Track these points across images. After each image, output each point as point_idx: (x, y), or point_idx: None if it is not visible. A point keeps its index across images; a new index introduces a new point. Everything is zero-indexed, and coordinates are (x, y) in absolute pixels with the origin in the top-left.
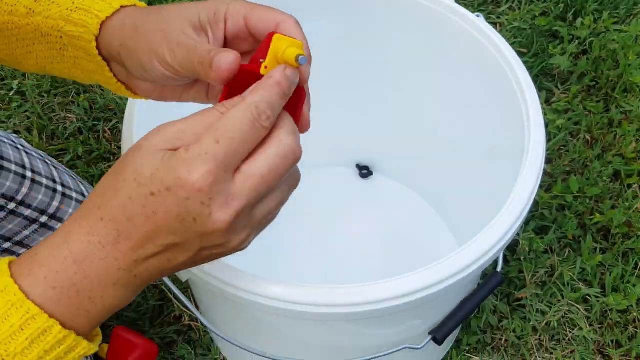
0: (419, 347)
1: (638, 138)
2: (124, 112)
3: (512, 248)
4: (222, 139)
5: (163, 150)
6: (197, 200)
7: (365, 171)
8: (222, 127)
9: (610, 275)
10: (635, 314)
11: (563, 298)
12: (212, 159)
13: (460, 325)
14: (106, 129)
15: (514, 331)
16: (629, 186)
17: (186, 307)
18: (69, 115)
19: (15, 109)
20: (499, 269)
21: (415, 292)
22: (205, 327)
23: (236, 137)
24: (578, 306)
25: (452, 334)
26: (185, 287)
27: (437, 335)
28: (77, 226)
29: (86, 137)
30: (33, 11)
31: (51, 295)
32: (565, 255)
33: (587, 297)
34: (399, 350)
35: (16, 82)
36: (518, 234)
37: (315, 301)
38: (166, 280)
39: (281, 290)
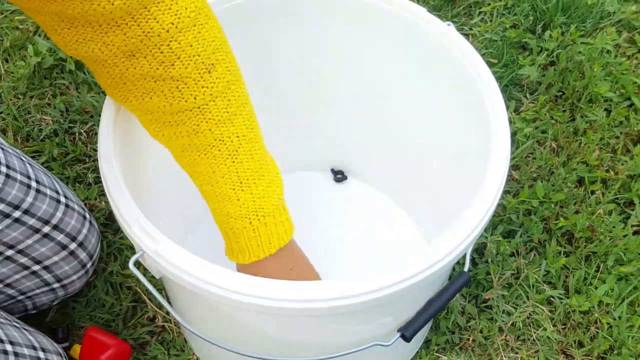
0: (388, 344)
1: (601, 146)
2: (100, 115)
3: (480, 251)
4: None
5: None
6: None
7: (339, 175)
8: None
9: (573, 277)
10: (596, 315)
11: (528, 299)
12: None
13: (429, 324)
14: (82, 131)
15: (481, 331)
16: (592, 192)
17: (159, 304)
18: (44, 117)
19: None
20: (466, 268)
21: (382, 289)
22: (179, 325)
23: None
24: (542, 307)
25: (421, 332)
26: (160, 288)
27: (406, 333)
28: None
29: (62, 139)
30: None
31: None
32: (531, 258)
33: (551, 298)
34: (368, 347)
35: None
36: (486, 237)
37: (287, 296)
38: (142, 278)
39: (251, 285)
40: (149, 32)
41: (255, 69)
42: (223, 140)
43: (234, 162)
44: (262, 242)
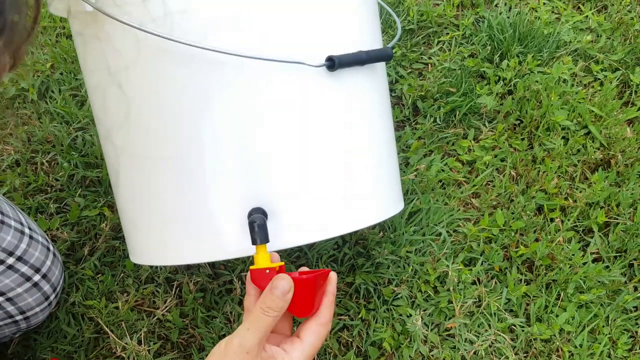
0: (315, 64)
1: (560, 174)
2: (62, 145)
3: (441, 279)
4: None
5: None
6: None
7: None
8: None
9: (534, 305)
10: (558, 343)
11: (490, 327)
12: None
13: (354, 66)
14: (44, 161)
15: None
16: (552, 220)
17: (121, 335)
18: (6, 147)
19: None
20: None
21: None
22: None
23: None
24: (504, 335)
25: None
26: (120, 320)
27: (334, 59)
28: None
29: (23, 169)
30: None
31: None
32: (492, 286)
33: (513, 326)
34: (294, 63)
35: None
36: (447, 266)
37: None
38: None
39: None
40: None
41: None
42: None
43: None
44: None
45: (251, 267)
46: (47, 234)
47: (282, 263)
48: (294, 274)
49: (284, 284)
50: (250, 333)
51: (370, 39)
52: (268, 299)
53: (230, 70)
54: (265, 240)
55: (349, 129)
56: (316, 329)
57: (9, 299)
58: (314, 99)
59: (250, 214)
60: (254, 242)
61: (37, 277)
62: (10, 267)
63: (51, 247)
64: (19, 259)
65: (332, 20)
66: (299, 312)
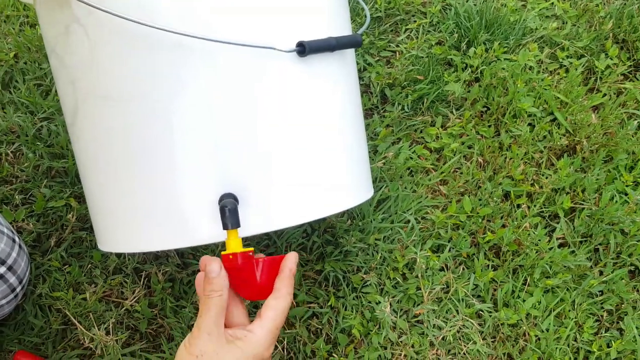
0: (285, 49)
1: (526, 161)
2: (27, 135)
3: (410, 266)
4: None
5: None
6: None
7: None
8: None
9: (501, 291)
10: (524, 327)
11: (458, 313)
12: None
13: (324, 52)
14: (9, 152)
15: (412, 346)
16: (518, 206)
17: (88, 326)
18: None
19: None
20: None
21: None
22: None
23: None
24: (472, 321)
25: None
26: (88, 311)
27: (304, 44)
28: None
29: None
30: None
31: None
32: (460, 272)
33: (480, 312)
34: (265, 48)
35: None
36: (416, 253)
37: None
38: None
39: None
40: None
41: None
42: None
43: None
44: None
45: (237, 252)
46: (13, 226)
47: (252, 249)
48: (260, 257)
49: (213, 266)
50: (203, 318)
51: (340, 27)
52: (207, 284)
53: (199, 55)
54: (237, 225)
55: (319, 115)
56: (273, 303)
57: None
58: (285, 84)
59: (221, 199)
60: (225, 227)
61: (2, 269)
62: None
63: (17, 239)
64: None
65: (302, 7)
66: (258, 295)
